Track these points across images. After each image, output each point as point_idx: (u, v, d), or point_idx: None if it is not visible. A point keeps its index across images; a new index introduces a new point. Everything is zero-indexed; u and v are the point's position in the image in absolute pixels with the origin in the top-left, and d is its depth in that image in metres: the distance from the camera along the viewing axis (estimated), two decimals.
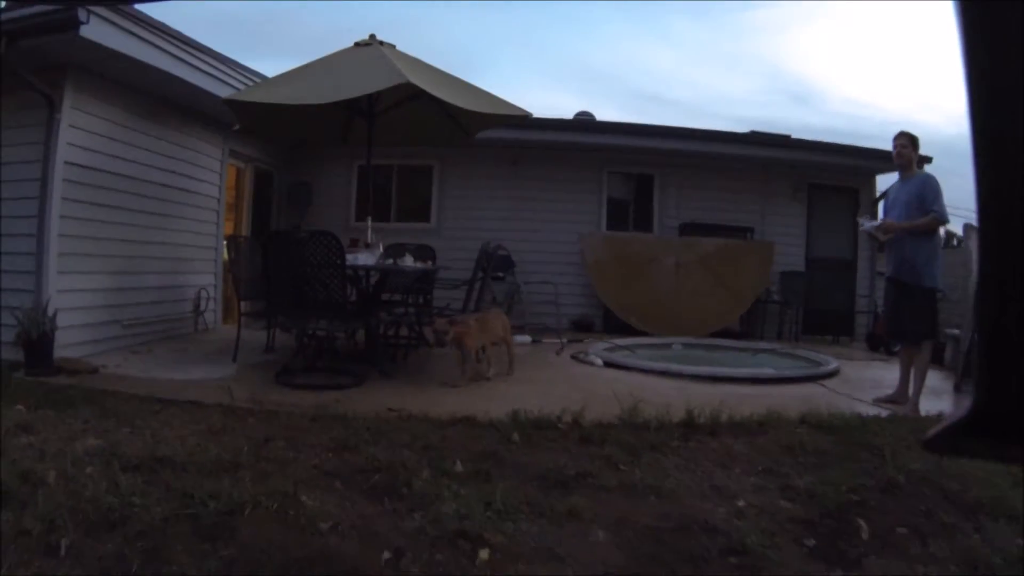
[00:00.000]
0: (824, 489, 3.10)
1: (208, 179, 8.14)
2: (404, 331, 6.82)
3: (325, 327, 5.45)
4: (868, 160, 9.81)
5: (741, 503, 2.92)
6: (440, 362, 6.20)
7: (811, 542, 2.65)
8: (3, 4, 5.56)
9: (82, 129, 6.13)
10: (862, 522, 2.84)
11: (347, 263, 5.31)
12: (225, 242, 8.21)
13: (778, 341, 9.30)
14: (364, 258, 5.74)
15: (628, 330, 9.02)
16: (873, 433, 4.08)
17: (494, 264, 7.44)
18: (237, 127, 6.79)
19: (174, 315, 7.57)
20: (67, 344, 5.87)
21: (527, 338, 8.08)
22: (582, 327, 9.41)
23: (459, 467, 3.22)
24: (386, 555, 2.41)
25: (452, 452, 3.44)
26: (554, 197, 10.07)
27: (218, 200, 8.32)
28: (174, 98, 7.16)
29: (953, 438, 0.60)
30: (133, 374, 5.60)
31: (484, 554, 2.41)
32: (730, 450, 3.67)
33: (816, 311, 10.17)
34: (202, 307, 7.95)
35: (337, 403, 4.51)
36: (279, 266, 5.29)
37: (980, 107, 0.55)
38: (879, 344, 8.84)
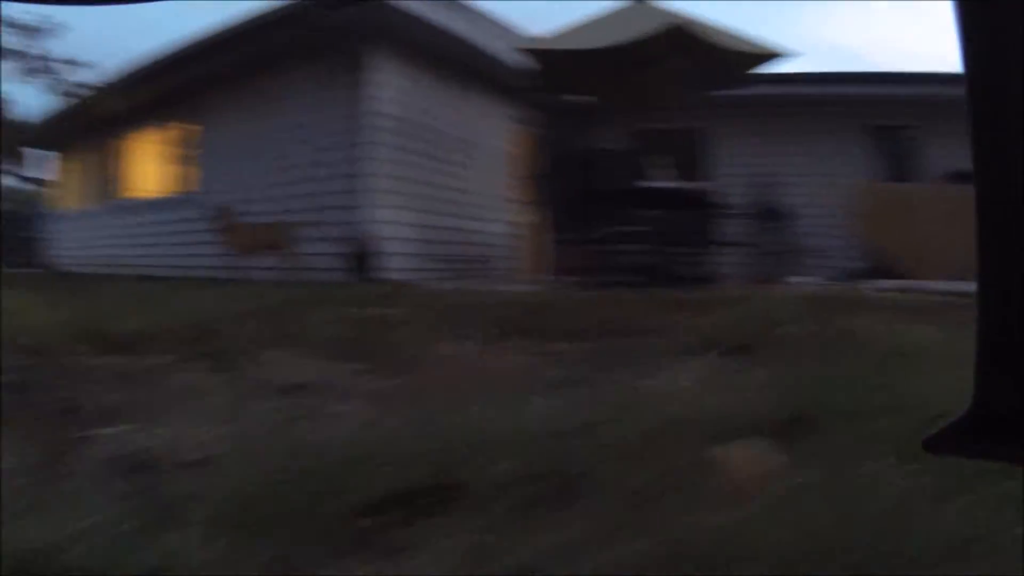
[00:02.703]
0: None
1: (496, 137, 8.90)
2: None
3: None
4: None
5: None
6: None
7: None
8: None
9: (389, 86, 7.14)
10: None
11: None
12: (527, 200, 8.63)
13: None
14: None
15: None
16: None
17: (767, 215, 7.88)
18: (526, 83, 7.30)
19: (468, 256, 8.24)
20: (382, 268, 6.69)
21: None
22: (854, 275, 8.85)
23: None
24: None
25: None
26: (813, 151, 9.95)
27: (505, 158, 9.03)
28: (465, 61, 7.96)
29: (953, 438, 0.61)
30: (447, 287, 6.17)
31: None
32: None
33: None
34: (494, 254, 8.53)
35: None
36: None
37: (980, 107, 0.57)
38: None
